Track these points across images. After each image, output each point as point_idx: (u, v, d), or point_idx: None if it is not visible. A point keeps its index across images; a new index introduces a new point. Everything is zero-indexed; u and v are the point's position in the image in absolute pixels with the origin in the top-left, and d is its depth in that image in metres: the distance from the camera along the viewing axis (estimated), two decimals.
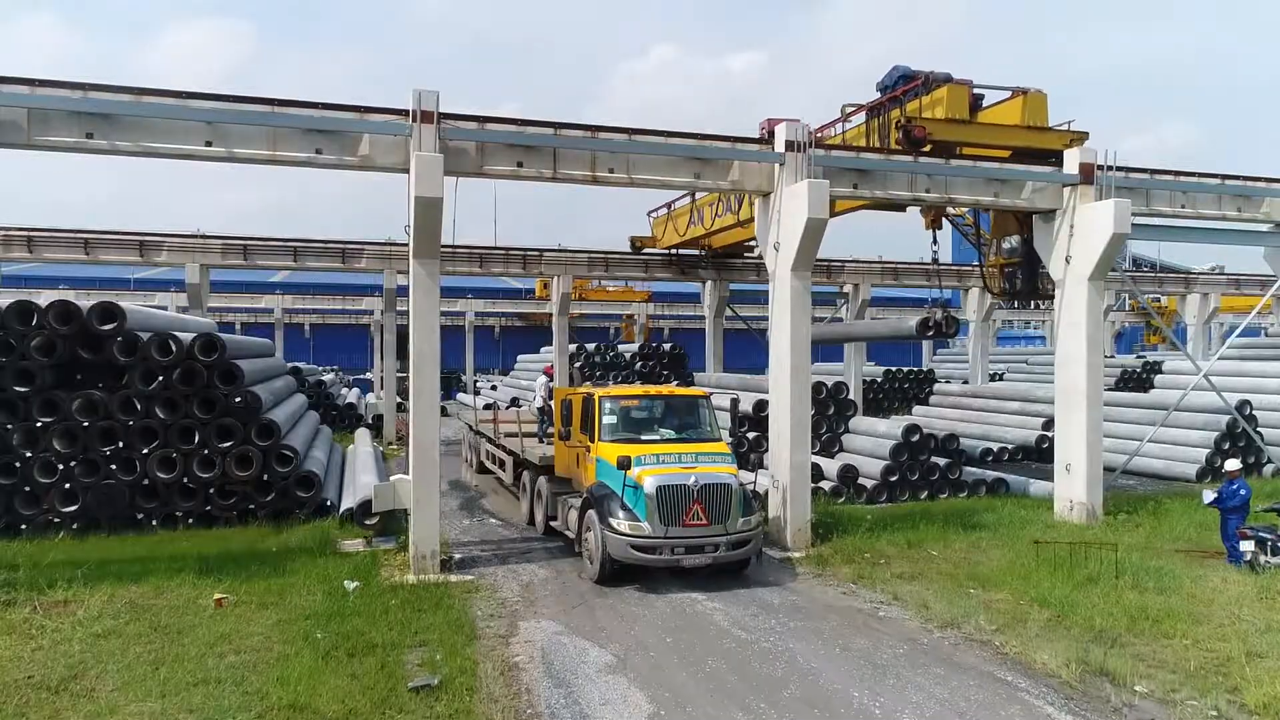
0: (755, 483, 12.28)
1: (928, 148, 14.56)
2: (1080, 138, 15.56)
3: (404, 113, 11.74)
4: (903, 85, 15.74)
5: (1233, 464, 12.95)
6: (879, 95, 16.23)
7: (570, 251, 25.65)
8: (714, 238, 23.36)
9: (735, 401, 14.24)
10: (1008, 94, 15.97)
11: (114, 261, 23.28)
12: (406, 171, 11.73)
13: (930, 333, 19.14)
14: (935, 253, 18.59)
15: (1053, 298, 17.98)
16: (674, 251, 24.81)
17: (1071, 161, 15.07)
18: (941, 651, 8.84)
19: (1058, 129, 15.70)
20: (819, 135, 14.79)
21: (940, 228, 18.54)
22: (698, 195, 20.90)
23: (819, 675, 8.18)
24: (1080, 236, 14.86)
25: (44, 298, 14.68)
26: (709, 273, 25.93)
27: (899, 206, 16.53)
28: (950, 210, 17.90)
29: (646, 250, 25.12)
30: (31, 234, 21.84)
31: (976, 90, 15.77)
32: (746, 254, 24.96)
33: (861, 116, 16.46)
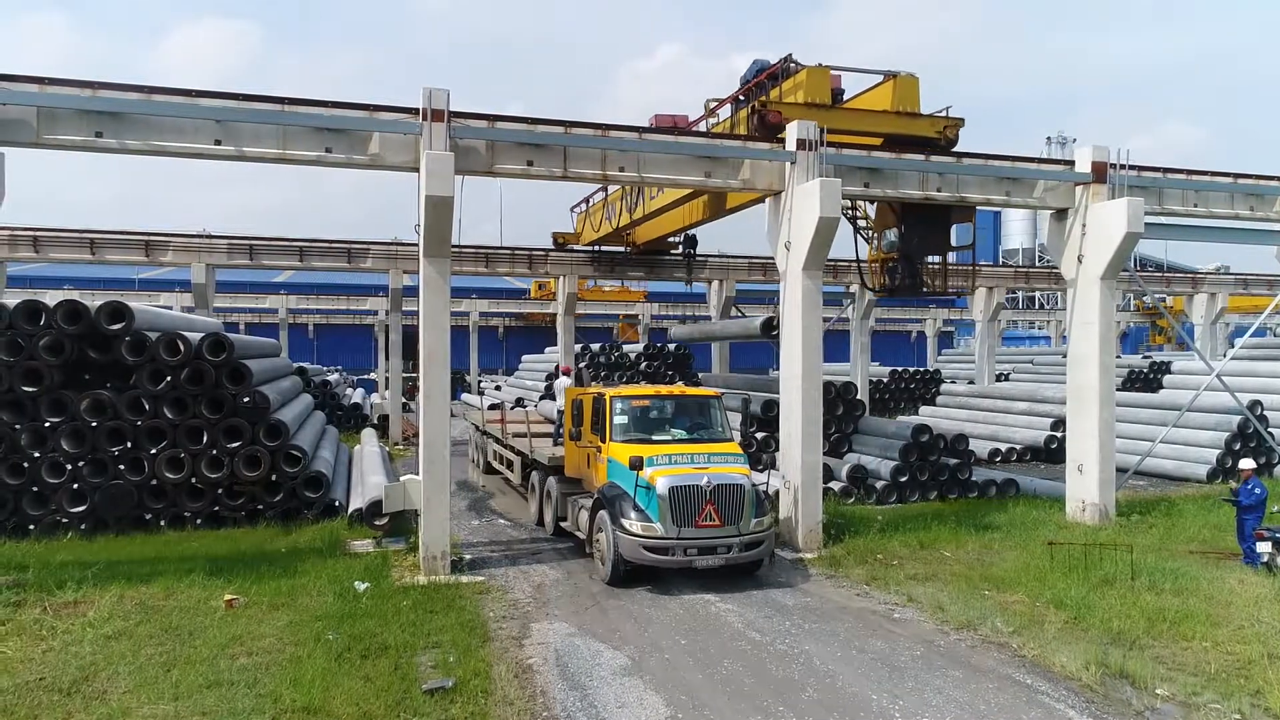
0: (767, 484, 12.21)
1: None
2: (955, 124, 14.91)
3: (414, 111, 11.68)
4: (761, 74, 15.39)
5: (1247, 464, 12.86)
6: (739, 88, 15.95)
7: (576, 251, 25.58)
8: (638, 234, 23.38)
9: (747, 402, 14.15)
10: (880, 79, 15.41)
11: (119, 261, 23.32)
12: (416, 170, 11.66)
13: (774, 332, 19.05)
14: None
15: (938, 293, 17.81)
16: (597, 248, 24.61)
17: (1084, 160, 14.98)
18: (959, 654, 8.76)
19: (931, 115, 14.98)
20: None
21: None
22: (610, 189, 20.74)
23: (836, 677, 8.10)
24: (1093, 236, 14.76)
25: (49, 298, 14.67)
26: (636, 270, 25.77)
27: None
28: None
29: (569, 247, 24.86)
30: (37, 234, 21.86)
31: (850, 73, 15.31)
32: (671, 251, 24.91)
33: (728, 110, 16.15)
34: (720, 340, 24.69)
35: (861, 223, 18.13)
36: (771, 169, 13.52)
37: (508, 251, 25.71)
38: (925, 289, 17.55)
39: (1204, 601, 10.12)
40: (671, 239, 23.26)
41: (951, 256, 18.48)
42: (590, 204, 23.44)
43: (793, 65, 15.06)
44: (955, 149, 14.97)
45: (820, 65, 14.89)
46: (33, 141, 10.81)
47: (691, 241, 23.52)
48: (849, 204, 17.51)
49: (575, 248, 24.99)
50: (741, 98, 15.63)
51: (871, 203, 17.33)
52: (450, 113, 11.69)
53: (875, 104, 15.32)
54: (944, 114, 15.11)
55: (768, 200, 14.12)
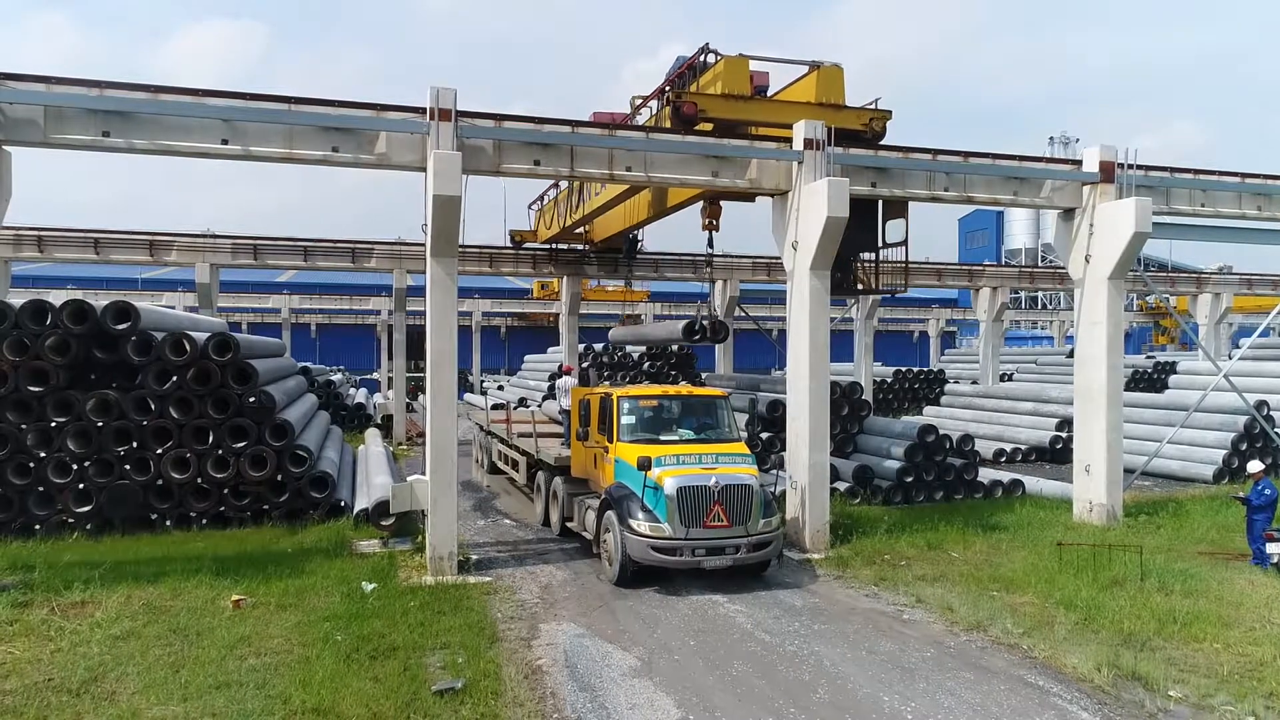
0: (775, 484, 12.17)
1: (709, 127, 13.62)
2: (882, 117, 14.27)
3: (421, 111, 11.66)
4: (683, 67, 15.02)
5: (1255, 465, 12.84)
6: (662, 81, 15.64)
7: (580, 251, 25.53)
8: (595, 232, 23.36)
9: (754, 402, 14.12)
10: (805, 69, 14.83)
11: (124, 261, 23.29)
12: (423, 170, 11.64)
13: (697, 336, 18.94)
14: (710, 253, 18.41)
15: (873, 291, 17.28)
16: (553, 246, 24.51)
17: (1091, 160, 14.94)
18: (969, 655, 8.73)
19: (856, 108, 14.40)
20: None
21: (718, 228, 18.12)
22: (562, 185, 20.69)
23: (847, 679, 8.07)
24: (1100, 235, 14.71)
25: (53, 297, 14.62)
26: (593, 269, 25.70)
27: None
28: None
29: (527, 245, 24.71)
30: (42, 234, 21.87)
31: (782, 64, 14.85)
32: (637, 249, 24.68)
33: (654, 106, 15.71)
34: (650, 342, 24.50)
35: None
36: (778, 168, 13.49)
37: (512, 251, 25.67)
38: (860, 288, 17.05)
39: (1215, 603, 10.08)
40: (633, 236, 23.30)
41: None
42: (544, 202, 23.36)
43: (711, 56, 14.58)
44: (885, 141, 14.38)
45: (740, 55, 14.33)
46: (40, 141, 10.81)
47: (633, 242, 23.70)
48: None
49: (532, 245, 24.83)
50: (666, 90, 15.05)
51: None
52: (457, 112, 11.66)
53: (800, 96, 14.69)
54: (873, 106, 14.50)
55: (774, 200, 14.10)
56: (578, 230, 22.99)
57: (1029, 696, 7.67)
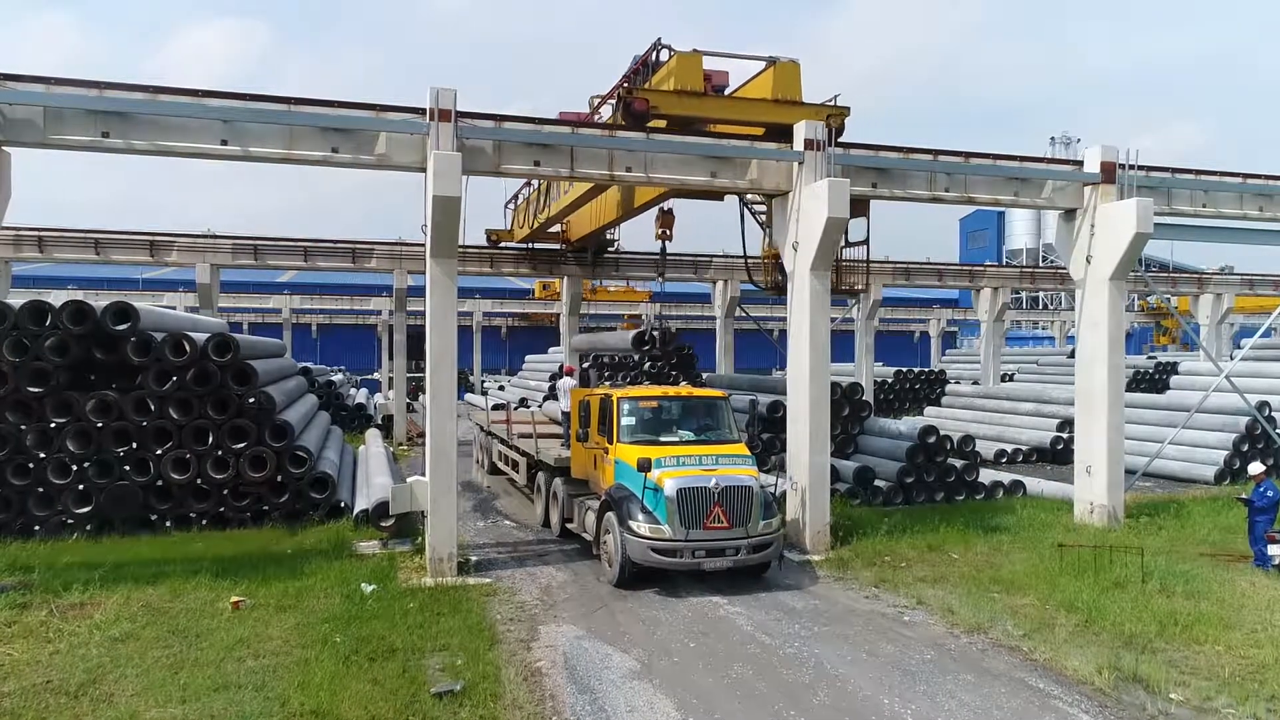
0: (775, 485, 12.15)
1: (662, 124, 13.30)
2: (840, 114, 13.81)
3: (421, 111, 11.63)
4: (638, 64, 14.80)
5: (1256, 467, 12.82)
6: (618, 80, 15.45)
7: (508, 248, 25.38)
8: (571, 231, 23.33)
9: (754, 403, 14.09)
10: (762, 65, 14.48)
11: (124, 261, 23.30)
12: (423, 170, 11.62)
13: (647, 346, 18.88)
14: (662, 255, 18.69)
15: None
16: (530, 245, 24.50)
17: (1092, 160, 14.92)
18: (970, 657, 8.71)
19: (814, 104, 13.91)
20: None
21: (670, 238, 18.26)
22: (534, 183, 20.66)
23: (847, 681, 8.04)
24: (1101, 236, 14.68)
25: (54, 298, 14.61)
26: (571, 268, 25.74)
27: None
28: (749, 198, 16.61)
29: (503, 244, 24.66)
30: (42, 234, 21.87)
31: (743, 61, 14.55)
32: (608, 249, 24.90)
33: (614, 104, 15.29)
34: (606, 351, 24.63)
35: (762, 216, 17.02)
36: (779, 169, 13.47)
37: (512, 252, 25.63)
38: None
39: (1216, 605, 10.06)
40: (610, 234, 23.33)
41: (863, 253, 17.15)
42: (519, 201, 23.26)
43: (665, 52, 14.29)
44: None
45: (694, 51, 13.92)
46: (39, 141, 10.80)
47: (603, 243, 23.98)
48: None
49: (508, 245, 24.76)
50: (622, 89, 14.60)
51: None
52: (457, 112, 11.64)
53: (756, 92, 14.38)
54: (832, 103, 14.04)
55: (774, 200, 14.08)
56: (552, 229, 23.03)
57: (1030, 699, 7.65)
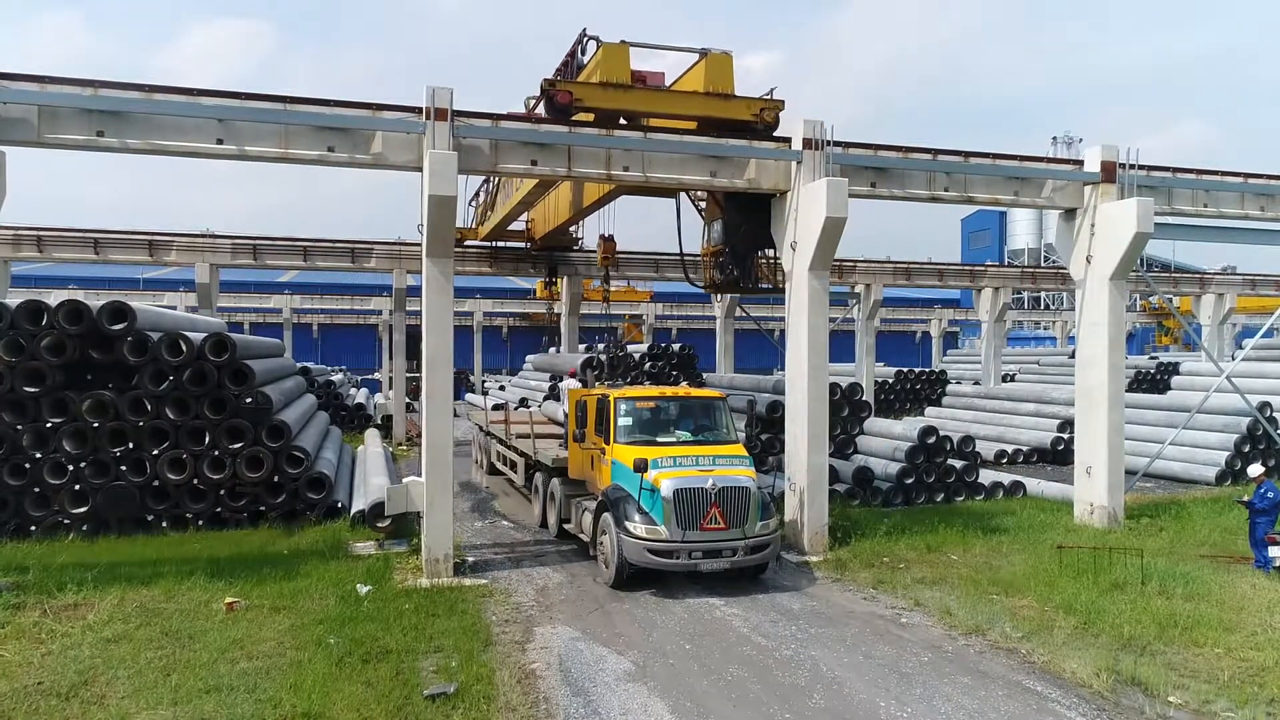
0: (773, 486, 12.09)
1: (589, 117, 13.07)
2: (774, 107, 13.58)
3: (417, 110, 11.59)
4: (565, 59, 14.59)
5: (1256, 468, 12.76)
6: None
7: (586, 251, 25.45)
8: (535, 229, 23.33)
9: (752, 403, 14.03)
10: (695, 57, 14.16)
11: (124, 261, 23.29)
12: (419, 170, 11.57)
13: (596, 372, 18.75)
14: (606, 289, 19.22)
15: (770, 291, 16.50)
16: (494, 244, 24.48)
17: (1093, 160, 14.85)
18: (967, 660, 8.65)
19: (746, 98, 13.68)
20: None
21: (616, 265, 18.35)
22: (491, 181, 20.75)
23: (843, 684, 7.99)
24: (1102, 236, 14.62)
25: (53, 297, 14.57)
26: (530, 268, 25.97)
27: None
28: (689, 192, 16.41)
29: (467, 243, 24.51)
30: (41, 233, 21.85)
31: (674, 52, 14.27)
32: (574, 249, 24.96)
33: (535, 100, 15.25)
34: (558, 371, 24.71)
35: (704, 212, 16.82)
36: (777, 168, 13.41)
37: (512, 251, 25.60)
38: (765, 284, 16.39)
39: (1216, 607, 9.99)
40: (573, 233, 23.35)
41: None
42: (481, 199, 23.14)
43: (591, 44, 13.94)
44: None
45: (621, 42, 13.55)
46: (34, 140, 10.75)
47: (565, 244, 24.13)
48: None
49: (471, 243, 24.59)
50: (545, 82, 14.05)
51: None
52: (454, 111, 11.60)
53: (687, 85, 14.13)
54: (768, 95, 13.79)
55: (773, 200, 14.01)
56: (514, 229, 23.02)
57: (1027, 702, 7.59)
